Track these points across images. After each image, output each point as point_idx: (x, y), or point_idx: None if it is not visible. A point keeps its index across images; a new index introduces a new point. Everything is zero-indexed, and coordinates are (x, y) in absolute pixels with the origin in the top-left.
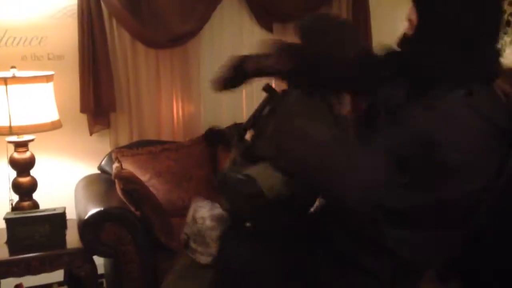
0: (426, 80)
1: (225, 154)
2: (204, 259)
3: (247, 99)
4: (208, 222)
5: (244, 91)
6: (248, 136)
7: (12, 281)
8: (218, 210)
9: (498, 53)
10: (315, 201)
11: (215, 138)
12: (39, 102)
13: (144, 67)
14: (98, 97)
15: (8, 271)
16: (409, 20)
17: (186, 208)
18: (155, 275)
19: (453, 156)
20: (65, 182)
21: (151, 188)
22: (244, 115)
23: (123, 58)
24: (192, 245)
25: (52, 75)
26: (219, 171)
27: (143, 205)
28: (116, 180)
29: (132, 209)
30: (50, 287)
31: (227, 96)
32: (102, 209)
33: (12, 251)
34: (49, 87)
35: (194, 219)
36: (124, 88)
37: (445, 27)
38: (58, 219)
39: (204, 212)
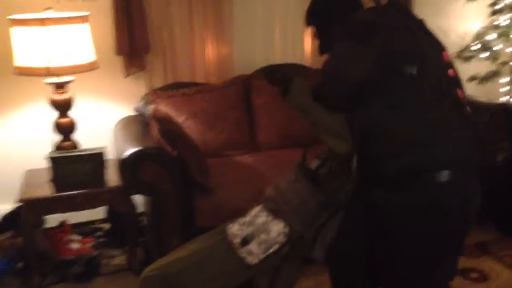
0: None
1: (258, 95)
2: (251, 259)
3: (281, 40)
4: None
5: (277, 32)
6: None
7: (57, 217)
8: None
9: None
10: None
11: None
12: (76, 43)
13: (177, 9)
14: (132, 39)
15: (52, 207)
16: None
17: (221, 149)
18: (192, 212)
19: None
20: (103, 123)
21: (187, 129)
22: (277, 57)
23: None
24: (251, 246)
25: (87, 16)
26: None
27: (179, 145)
28: (152, 121)
29: (169, 149)
30: (93, 224)
31: (260, 38)
32: (140, 148)
33: (56, 189)
34: (85, 27)
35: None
36: (157, 30)
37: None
38: (98, 158)
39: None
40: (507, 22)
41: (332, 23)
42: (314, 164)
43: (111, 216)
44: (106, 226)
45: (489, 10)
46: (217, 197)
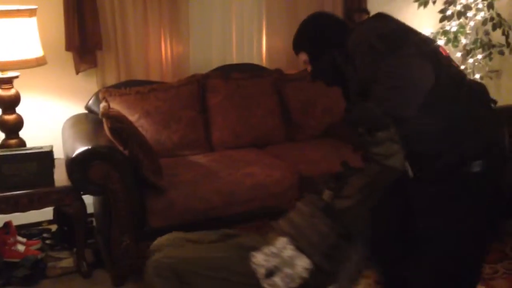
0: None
1: (213, 94)
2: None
3: (237, 40)
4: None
5: (234, 31)
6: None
7: (1, 218)
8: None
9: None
10: None
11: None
12: (23, 37)
13: (131, 4)
14: (84, 34)
15: None
16: (304, 61)
17: (175, 148)
18: (144, 213)
19: None
20: (51, 121)
21: (139, 128)
22: (234, 57)
23: None
24: (275, 278)
25: (35, 9)
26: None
27: (131, 144)
28: (103, 119)
29: (120, 148)
30: (39, 225)
31: (216, 37)
32: (90, 147)
33: (0, 188)
34: (32, 22)
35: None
36: (111, 26)
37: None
38: (45, 156)
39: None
40: (456, 28)
41: (324, 48)
42: (327, 196)
43: (59, 217)
44: (54, 227)
45: (439, 16)
46: (170, 197)
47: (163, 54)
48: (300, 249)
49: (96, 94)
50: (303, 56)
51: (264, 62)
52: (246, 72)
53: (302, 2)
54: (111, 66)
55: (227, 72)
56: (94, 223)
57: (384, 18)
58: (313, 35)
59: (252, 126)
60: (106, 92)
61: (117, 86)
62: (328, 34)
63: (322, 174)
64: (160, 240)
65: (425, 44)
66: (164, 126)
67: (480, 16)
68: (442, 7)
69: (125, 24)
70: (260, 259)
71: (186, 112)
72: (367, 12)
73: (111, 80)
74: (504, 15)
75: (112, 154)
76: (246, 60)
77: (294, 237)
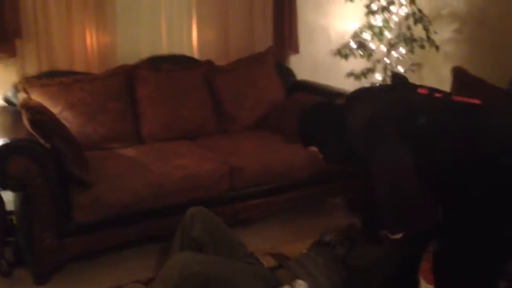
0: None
1: (142, 86)
2: None
3: (167, 29)
4: None
5: (163, 21)
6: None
7: None
8: None
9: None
10: None
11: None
12: None
13: None
14: (1, 21)
15: None
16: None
17: (102, 141)
18: (69, 208)
19: None
20: None
21: (63, 121)
22: (164, 48)
23: None
24: None
25: None
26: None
27: (53, 137)
28: (22, 111)
29: (42, 141)
30: None
31: (145, 26)
32: (7, 141)
33: None
34: None
35: None
36: (31, 12)
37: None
38: None
39: None
40: (380, 22)
41: (328, 137)
42: (339, 251)
43: None
44: None
45: (365, 10)
46: (97, 190)
47: (89, 43)
48: None
49: (15, 85)
50: (313, 148)
51: (194, 53)
52: (177, 63)
53: None
54: (31, 56)
55: (157, 63)
56: (15, 221)
57: (372, 101)
58: (314, 132)
59: (183, 118)
60: (26, 82)
61: (38, 77)
62: (326, 127)
63: (328, 230)
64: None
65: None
66: (90, 119)
67: (403, 11)
68: (368, 1)
69: (47, 10)
70: None
71: (113, 104)
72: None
73: (32, 70)
74: (425, 10)
75: (32, 147)
76: (176, 51)
77: (309, 283)
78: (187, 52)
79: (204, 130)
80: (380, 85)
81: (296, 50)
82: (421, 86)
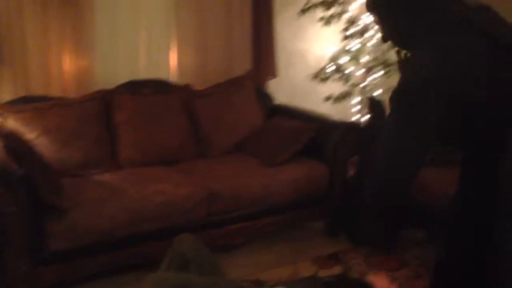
0: None
1: (120, 111)
2: None
3: (145, 54)
4: None
5: (142, 45)
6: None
7: None
8: None
9: None
10: None
11: None
12: None
13: (30, 15)
14: None
15: None
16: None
17: (78, 167)
18: (42, 237)
19: None
20: None
21: (39, 147)
22: (142, 71)
23: (4, 2)
24: None
25: None
26: None
27: (26, 164)
28: None
29: (15, 168)
30: None
31: (123, 51)
32: None
33: None
34: None
35: None
36: (6, 36)
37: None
38: None
39: None
40: (357, 46)
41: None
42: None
43: None
44: None
45: (342, 35)
46: (73, 217)
47: (65, 67)
48: None
49: None
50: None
51: (173, 78)
52: (155, 87)
53: (212, 18)
54: (7, 81)
55: (134, 87)
56: None
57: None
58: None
59: (161, 143)
60: (1, 108)
61: (14, 102)
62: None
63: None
64: None
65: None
66: (66, 144)
67: (378, 35)
68: (344, 26)
69: (23, 34)
70: None
71: (90, 129)
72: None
73: (7, 96)
74: None
75: (5, 174)
76: (154, 75)
77: None
78: (165, 77)
79: (182, 155)
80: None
81: (274, 74)
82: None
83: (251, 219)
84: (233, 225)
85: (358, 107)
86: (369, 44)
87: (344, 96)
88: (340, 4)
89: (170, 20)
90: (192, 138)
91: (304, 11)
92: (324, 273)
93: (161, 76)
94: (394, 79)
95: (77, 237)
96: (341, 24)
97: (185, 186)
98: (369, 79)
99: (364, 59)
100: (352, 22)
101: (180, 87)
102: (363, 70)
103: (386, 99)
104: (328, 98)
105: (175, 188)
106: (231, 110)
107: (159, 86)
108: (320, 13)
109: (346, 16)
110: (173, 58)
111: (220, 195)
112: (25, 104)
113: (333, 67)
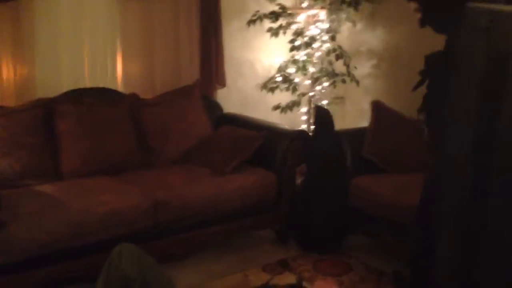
0: None
1: (61, 120)
2: None
3: (89, 62)
4: None
5: (86, 53)
6: None
7: None
8: None
9: None
10: None
11: None
12: None
13: None
14: None
15: None
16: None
17: (17, 178)
18: None
19: None
20: None
21: None
22: (86, 80)
23: None
24: None
25: None
26: None
27: None
28: None
29: None
30: None
31: (67, 59)
32: None
33: None
34: None
35: None
36: None
37: None
38: None
39: None
40: (304, 57)
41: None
42: None
43: None
44: None
45: (289, 46)
46: (10, 231)
47: (4, 75)
48: None
49: None
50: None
51: (119, 86)
52: (100, 96)
53: (159, 27)
54: None
55: (78, 96)
56: None
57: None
58: None
59: (106, 153)
60: None
61: None
62: None
63: None
64: None
65: None
66: (3, 154)
67: (325, 47)
68: (292, 37)
69: None
70: None
71: (30, 139)
72: None
73: None
74: (345, 47)
75: None
76: (99, 84)
77: None
78: (110, 85)
79: (128, 165)
80: None
81: (223, 84)
82: None
83: (199, 228)
84: (181, 235)
85: (306, 116)
86: (315, 55)
87: (292, 106)
88: (287, 15)
89: (115, 27)
90: (138, 147)
91: (251, 22)
92: (276, 280)
93: (107, 85)
94: (340, 89)
95: (15, 251)
96: (288, 35)
97: (131, 195)
98: (317, 88)
99: (311, 69)
100: (299, 33)
101: (126, 96)
102: (310, 80)
103: (332, 108)
104: (276, 108)
105: (120, 198)
106: (179, 119)
107: (104, 95)
108: (268, 24)
109: (293, 28)
110: (119, 66)
111: (167, 204)
112: None
113: (281, 77)
